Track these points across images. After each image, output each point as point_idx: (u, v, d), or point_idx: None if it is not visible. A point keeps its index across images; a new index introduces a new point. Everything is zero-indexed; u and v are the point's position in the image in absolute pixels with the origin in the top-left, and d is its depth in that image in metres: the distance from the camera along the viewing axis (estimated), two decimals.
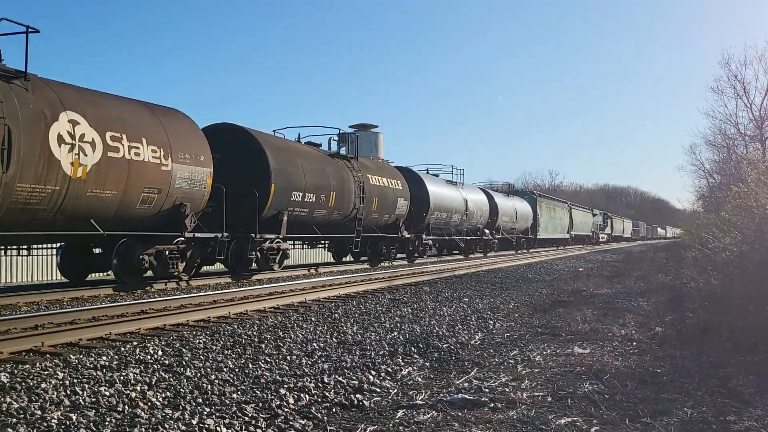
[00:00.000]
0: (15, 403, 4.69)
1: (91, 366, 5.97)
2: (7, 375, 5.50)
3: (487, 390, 5.47)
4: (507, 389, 5.48)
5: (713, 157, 44.41)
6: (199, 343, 7.21)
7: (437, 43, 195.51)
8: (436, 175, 28.48)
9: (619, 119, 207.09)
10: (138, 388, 5.23)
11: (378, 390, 5.48)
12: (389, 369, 6.23)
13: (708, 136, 42.73)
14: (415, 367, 6.40)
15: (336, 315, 9.69)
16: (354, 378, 5.79)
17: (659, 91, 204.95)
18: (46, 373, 5.64)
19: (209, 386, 5.34)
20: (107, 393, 5.03)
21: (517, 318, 10.14)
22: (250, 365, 6.18)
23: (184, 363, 6.18)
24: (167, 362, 6.21)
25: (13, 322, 7.83)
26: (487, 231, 31.49)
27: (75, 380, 5.41)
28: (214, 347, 7.01)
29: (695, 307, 9.52)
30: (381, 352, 7.02)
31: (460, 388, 5.56)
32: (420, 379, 5.94)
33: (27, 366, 5.90)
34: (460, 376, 6.05)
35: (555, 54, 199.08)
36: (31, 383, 5.27)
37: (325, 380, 5.64)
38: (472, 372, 6.19)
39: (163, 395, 5.05)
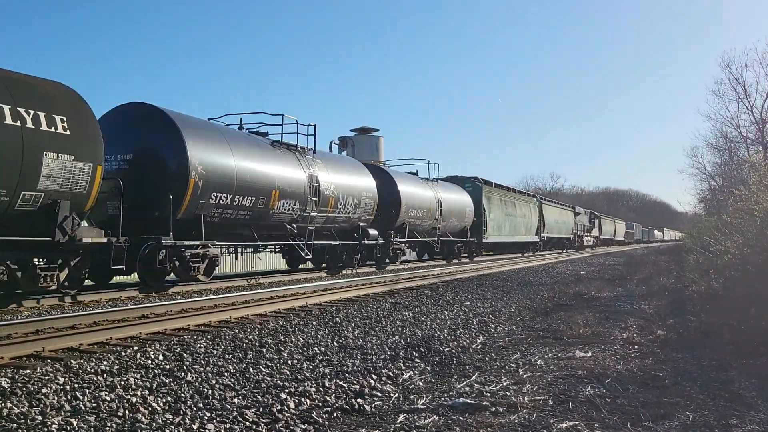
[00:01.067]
0: (15, 408, 4.68)
1: (92, 371, 5.96)
2: (7, 380, 5.49)
3: (488, 394, 5.46)
4: (508, 393, 5.47)
5: (715, 159, 44.38)
6: (200, 347, 7.20)
7: (437, 46, 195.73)
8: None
9: (620, 122, 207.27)
10: (139, 393, 5.22)
11: (379, 394, 5.47)
12: (390, 373, 6.22)
13: (709, 138, 42.56)
14: (416, 372, 6.39)
15: (337, 319, 9.68)
16: (355, 382, 5.78)
17: (660, 93, 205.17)
18: (46, 378, 5.63)
19: (210, 391, 5.34)
20: (108, 398, 5.02)
21: (518, 321, 10.12)
22: (251, 370, 6.17)
23: (184, 368, 6.17)
24: (168, 367, 6.20)
25: (14, 327, 7.82)
26: (372, 232, 20.43)
27: (76, 385, 5.41)
28: (215, 352, 7.00)
29: (697, 310, 9.51)
30: (382, 356, 7.01)
31: (462, 392, 5.55)
32: (421, 384, 5.92)
33: (28, 371, 5.89)
34: (461, 380, 6.04)
35: (555, 57, 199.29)
36: (32, 388, 5.26)
37: (326, 384, 5.63)
38: (474, 376, 6.18)
39: (164, 400, 5.04)
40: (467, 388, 5.69)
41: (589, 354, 7.20)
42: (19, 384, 5.39)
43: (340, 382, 5.74)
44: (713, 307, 8.71)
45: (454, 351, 7.51)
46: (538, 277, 20.20)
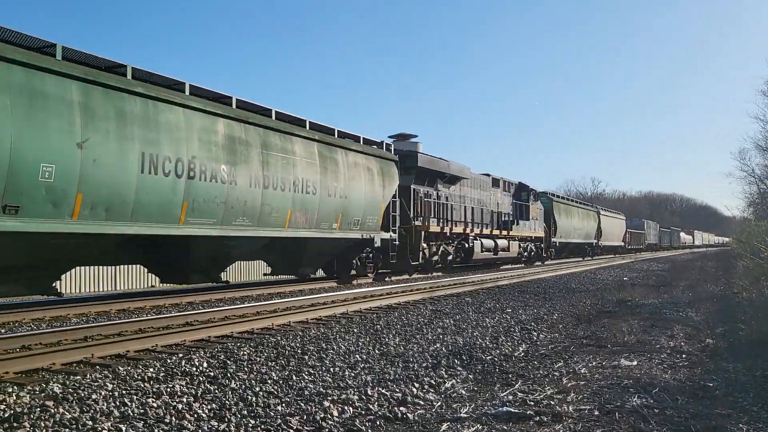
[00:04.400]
0: (67, 413, 4.80)
1: (139, 377, 6.08)
2: (59, 386, 5.64)
3: (532, 403, 5.39)
4: (552, 402, 5.39)
5: (764, 162, 42.97)
6: (244, 354, 7.28)
7: (473, 49, 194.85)
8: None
9: (664, 125, 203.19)
10: (184, 399, 5.30)
11: (422, 402, 5.45)
12: (432, 381, 6.19)
13: (759, 140, 41.33)
14: (458, 380, 6.35)
15: (378, 326, 9.69)
16: (397, 390, 5.77)
17: (705, 95, 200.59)
18: (96, 384, 5.76)
19: (254, 398, 5.39)
20: (155, 404, 5.11)
21: (561, 329, 9.98)
22: (294, 377, 6.22)
23: (228, 375, 6.24)
24: (212, 374, 6.28)
25: (64, 334, 8.04)
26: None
27: (124, 391, 5.52)
28: (258, 359, 7.07)
29: (748, 318, 9.23)
30: (424, 364, 6.99)
31: (505, 400, 5.49)
32: (464, 392, 5.88)
33: (78, 377, 6.04)
34: (504, 388, 5.98)
35: (594, 60, 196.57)
36: (83, 394, 5.38)
37: (369, 392, 5.64)
38: (517, 384, 6.11)
39: (209, 407, 5.10)
40: (510, 397, 5.63)
41: (635, 363, 7.06)
42: (70, 390, 5.52)
43: (383, 390, 5.74)
44: (765, 315, 8.44)
45: (496, 359, 7.44)
46: (581, 284, 19.90)
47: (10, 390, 5.51)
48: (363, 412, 5.09)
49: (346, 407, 5.17)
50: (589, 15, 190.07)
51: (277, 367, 6.66)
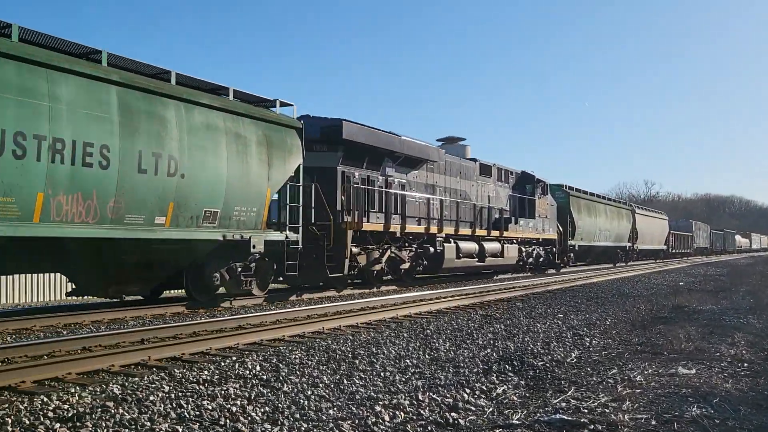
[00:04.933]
0: (127, 414, 4.94)
1: (194, 380, 6.21)
2: (119, 387, 5.81)
3: (585, 411, 5.30)
4: (607, 410, 5.29)
5: None
6: (295, 358, 7.36)
7: (521, 51, 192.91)
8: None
9: (721, 124, 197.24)
10: (238, 402, 5.39)
11: (473, 408, 5.42)
12: (484, 387, 6.15)
13: None
14: (510, 385, 6.29)
15: (428, 331, 9.67)
16: (448, 396, 5.75)
17: (764, 91, 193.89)
18: (153, 386, 5.91)
19: (306, 402, 5.44)
20: (210, 407, 5.21)
21: (614, 335, 9.78)
22: (345, 381, 6.26)
23: (281, 378, 6.32)
24: (265, 377, 6.37)
25: (122, 336, 8.27)
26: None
27: (180, 393, 5.64)
28: (310, 363, 7.14)
29: None
30: (475, 370, 6.94)
31: (558, 407, 5.41)
32: (515, 398, 5.82)
33: (136, 378, 6.21)
34: (557, 395, 5.89)
35: (649, 55, 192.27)
36: (141, 395, 5.53)
37: (420, 397, 5.63)
38: (570, 391, 6.01)
39: (262, 410, 5.18)
40: (563, 404, 5.54)
41: (694, 371, 6.86)
42: (129, 391, 5.68)
43: (434, 396, 5.72)
44: None
45: (548, 365, 7.34)
46: (634, 288, 19.47)
47: (73, 390, 5.70)
48: (414, 417, 5.09)
49: (397, 412, 5.18)
50: (650, 19, 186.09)
51: (329, 371, 6.71)
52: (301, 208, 13.99)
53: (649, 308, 13.67)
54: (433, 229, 19.59)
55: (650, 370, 6.92)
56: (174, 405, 5.25)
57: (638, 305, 14.27)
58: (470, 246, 21.35)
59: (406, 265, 18.53)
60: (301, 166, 13.81)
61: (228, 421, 4.86)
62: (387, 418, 5.02)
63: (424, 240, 19.42)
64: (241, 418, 4.92)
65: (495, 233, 23.33)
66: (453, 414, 5.17)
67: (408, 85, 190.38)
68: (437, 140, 24.01)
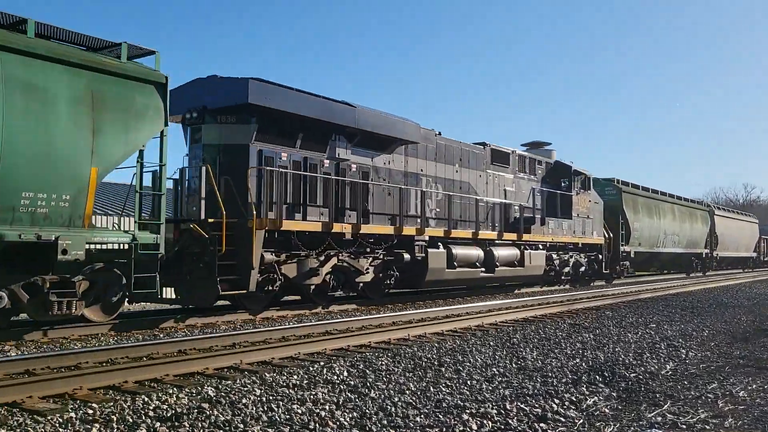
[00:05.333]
0: (221, 416, 5.12)
1: (284, 384, 6.36)
2: (213, 389, 6.03)
3: (684, 426, 5.08)
4: (707, 427, 5.05)
5: None
6: (382, 364, 7.42)
7: (602, 52, 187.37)
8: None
9: None
10: (327, 407, 5.48)
11: (563, 419, 5.30)
12: (573, 398, 6.00)
13: None
14: (601, 397, 6.11)
15: (514, 340, 9.53)
16: (537, 406, 5.65)
17: None
18: (245, 389, 6.10)
19: (393, 408, 5.47)
20: (299, 411, 5.32)
21: (713, 347, 9.33)
22: (432, 389, 6.25)
23: (368, 384, 6.38)
24: (352, 383, 6.45)
25: (215, 340, 8.58)
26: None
27: (270, 397, 5.79)
28: (396, 369, 7.18)
29: None
30: (563, 380, 6.79)
31: (653, 422, 5.22)
32: (607, 410, 5.65)
33: (229, 381, 6.42)
34: (651, 408, 5.68)
35: (744, 57, 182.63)
36: (234, 398, 5.72)
37: (507, 407, 5.56)
38: (666, 405, 5.78)
39: (350, 415, 5.24)
40: (659, 418, 5.33)
41: None
42: (222, 393, 5.88)
43: (522, 405, 5.63)
44: None
45: (641, 377, 7.08)
46: (734, 298, 18.50)
47: (171, 391, 5.95)
48: (502, 427, 5.02)
49: (485, 421, 5.13)
50: (746, 16, 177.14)
51: (415, 378, 6.73)
52: (164, 198, 10.08)
53: (752, 320, 12.96)
54: (409, 230, 14.97)
55: (755, 386, 6.56)
56: (265, 408, 5.39)
57: (739, 316, 13.54)
58: (470, 252, 16.79)
59: (367, 278, 14.12)
60: (165, 137, 9.99)
61: (317, 425, 4.95)
62: (474, 426, 4.98)
63: (394, 244, 14.82)
64: (330, 423, 5.00)
65: (510, 236, 18.55)
66: (542, 425, 5.08)
67: (493, 85, 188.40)
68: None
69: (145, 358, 7.42)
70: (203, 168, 11.53)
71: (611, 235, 24.95)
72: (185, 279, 11.24)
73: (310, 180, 13.06)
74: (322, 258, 13.08)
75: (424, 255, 15.26)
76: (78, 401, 5.52)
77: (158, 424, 4.90)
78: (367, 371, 7.02)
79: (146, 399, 5.61)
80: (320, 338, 8.96)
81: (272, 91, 12.14)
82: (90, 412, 5.17)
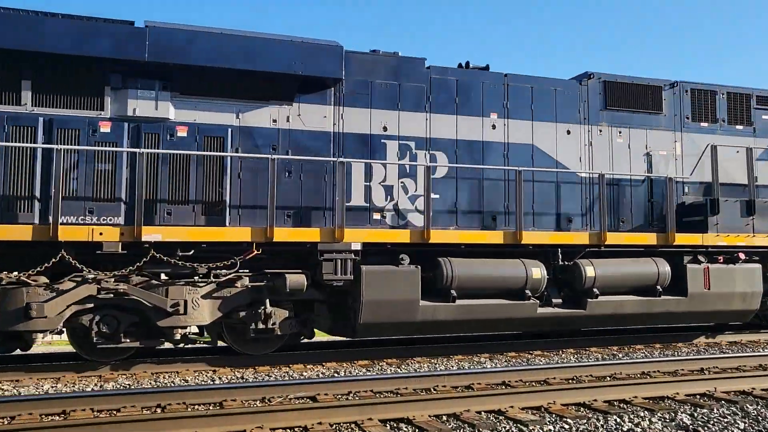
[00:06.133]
0: None
1: None
2: (688, 416, 5.67)
3: None
4: None
5: None
6: None
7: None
8: None
9: None
10: None
11: None
12: None
13: None
14: None
15: None
16: None
17: None
18: (725, 420, 5.57)
19: None
20: None
21: None
22: None
23: None
24: None
25: (682, 364, 8.08)
26: None
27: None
28: None
29: None
30: None
31: None
32: None
33: (704, 410, 5.94)
34: None
35: None
36: (713, 429, 5.27)
37: None
38: None
39: None
40: None
41: None
42: (699, 422, 5.48)
43: None
44: None
45: None
46: None
47: (642, 414, 5.78)
48: None
49: None
50: None
51: None
52: None
53: None
54: (300, 235, 8.43)
55: None
56: None
57: None
58: (485, 270, 9.10)
59: (181, 319, 7.91)
60: None
61: None
62: None
63: (264, 260, 8.37)
64: None
65: (638, 237, 10.10)
66: None
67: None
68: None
69: (608, 378, 7.42)
70: None
71: None
72: None
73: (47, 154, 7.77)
74: (55, 288, 7.53)
75: (351, 277, 8.54)
76: (553, 415, 5.79)
77: None
78: None
79: (618, 419, 5.58)
80: None
81: None
82: (566, 426, 5.36)
